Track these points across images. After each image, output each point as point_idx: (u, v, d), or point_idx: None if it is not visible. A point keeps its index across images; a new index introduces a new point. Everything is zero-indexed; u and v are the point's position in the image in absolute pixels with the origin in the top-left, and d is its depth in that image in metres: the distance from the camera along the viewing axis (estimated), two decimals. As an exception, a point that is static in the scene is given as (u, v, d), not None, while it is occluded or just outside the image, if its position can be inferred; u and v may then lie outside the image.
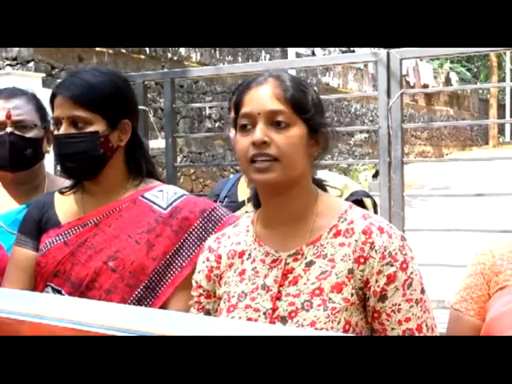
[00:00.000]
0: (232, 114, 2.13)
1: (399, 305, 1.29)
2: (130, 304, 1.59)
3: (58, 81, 1.75)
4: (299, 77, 1.43)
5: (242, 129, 1.34)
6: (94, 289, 1.61)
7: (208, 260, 1.46)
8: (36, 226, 1.72)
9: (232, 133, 2.11)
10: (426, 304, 1.32)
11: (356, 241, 1.31)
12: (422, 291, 1.32)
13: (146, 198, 1.70)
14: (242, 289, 1.37)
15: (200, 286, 1.46)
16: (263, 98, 1.32)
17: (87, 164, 1.66)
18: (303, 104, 1.33)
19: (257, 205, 1.45)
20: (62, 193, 1.75)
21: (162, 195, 1.71)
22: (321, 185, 1.45)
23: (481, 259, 1.64)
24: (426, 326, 1.31)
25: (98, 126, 1.64)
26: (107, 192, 1.70)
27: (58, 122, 1.66)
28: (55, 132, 1.67)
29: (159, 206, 1.68)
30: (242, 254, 1.41)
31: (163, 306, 1.61)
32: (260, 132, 1.30)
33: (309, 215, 1.36)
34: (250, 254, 1.40)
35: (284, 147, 1.30)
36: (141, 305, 1.60)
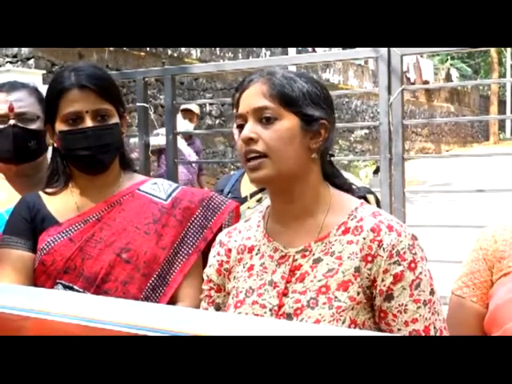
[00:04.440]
0: (235, 111, 2.14)
1: (406, 305, 1.26)
2: (145, 292, 1.63)
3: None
4: (298, 71, 1.39)
5: (238, 129, 1.36)
6: (109, 281, 1.62)
7: (219, 254, 1.45)
8: (28, 225, 1.68)
9: (235, 129, 2.12)
10: (435, 306, 1.29)
11: (364, 238, 1.28)
12: (432, 292, 1.29)
13: (143, 191, 1.73)
14: (250, 284, 1.37)
15: (210, 281, 1.46)
16: (251, 96, 1.33)
17: (113, 155, 1.69)
18: (290, 96, 1.31)
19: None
20: (48, 193, 1.72)
21: (157, 187, 1.74)
22: (339, 185, 1.40)
23: (483, 245, 1.59)
24: (435, 328, 1.28)
25: (116, 118, 1.68)
26: (103, 186, 1.71)
27: (75, 117, 1.63)
28: (62, 128, 1.65)
29: (159, 198, 1.71)
30: (251, 250, 1.40)
31: (174, 294, 1.65)
32: (246, 129, 1.31)
33: (319, 212, 1.34)
34: (259, 250, 1.39)
35: (271, 141, 1.29)
36: (155, 293, 1.64)
